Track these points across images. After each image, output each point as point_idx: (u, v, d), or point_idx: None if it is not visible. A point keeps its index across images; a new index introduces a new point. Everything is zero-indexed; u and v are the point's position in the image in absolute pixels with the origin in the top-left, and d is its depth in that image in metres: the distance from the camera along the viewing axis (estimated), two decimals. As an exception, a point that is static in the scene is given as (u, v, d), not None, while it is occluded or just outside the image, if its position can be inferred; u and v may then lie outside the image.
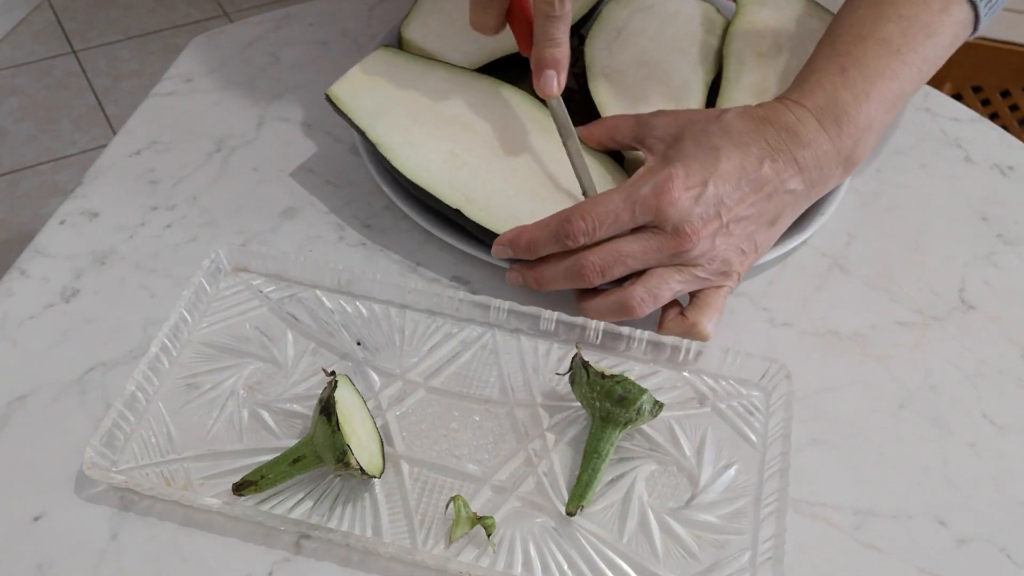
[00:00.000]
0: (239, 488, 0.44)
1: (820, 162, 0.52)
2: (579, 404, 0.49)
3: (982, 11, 0.55)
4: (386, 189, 0.58)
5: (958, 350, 0.54)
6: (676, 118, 0.54)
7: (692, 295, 0.52)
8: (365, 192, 0.61)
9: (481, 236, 0.55)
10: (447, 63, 0.61)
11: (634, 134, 0.55)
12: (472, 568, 0.42)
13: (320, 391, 0.47)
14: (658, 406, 0.47)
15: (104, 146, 0.66)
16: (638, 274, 0.51)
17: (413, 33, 0.65)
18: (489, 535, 0.43)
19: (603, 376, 0.46)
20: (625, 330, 0.51)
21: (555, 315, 0.52)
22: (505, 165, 0.56)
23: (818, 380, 0.52)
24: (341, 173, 0.63)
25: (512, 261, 0.54)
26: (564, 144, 0.56)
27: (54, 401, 0.49)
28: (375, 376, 0.50)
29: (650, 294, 0.50)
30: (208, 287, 0.53)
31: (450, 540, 0.43)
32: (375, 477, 0.44)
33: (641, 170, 0.52)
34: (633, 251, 0.50)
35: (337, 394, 0.44)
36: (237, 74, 0.71)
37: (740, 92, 0.62)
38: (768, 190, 0.51)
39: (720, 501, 0.46)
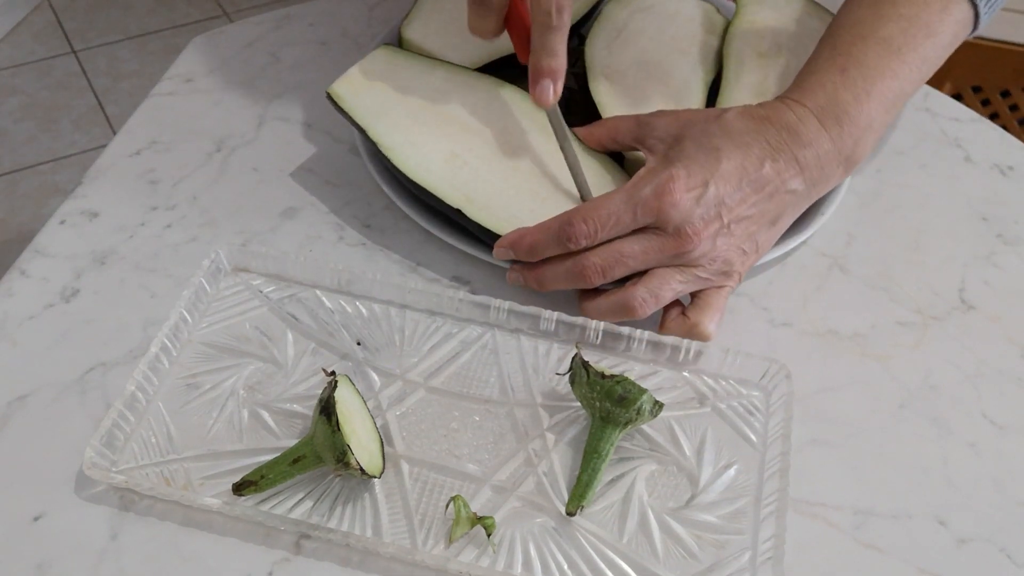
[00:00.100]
0: (239, 488, 0.44)
1: (821, 162, 0.52)
2: (579, 404, 0.49)
3: (982, 10, 0.55)
4: (386, 189, 0.58)
5: (958, 350, 0.54)
6: (676, 118, 0.54)
7: (693, 295, 0.52)
8: (365, 192, 0.61)
9: (482, 236, 0.55)
10: (448, 63, 0.61)
11: (634, 135, 0.55)
12: (472, 568, 0.42)
13: (320, 391, 0.47)
14: (658, 406, 0.47)
15: (104, 146, 0.66)
16: (639, 274, 0.51)
17: (413, 33, 0.65)
18: (489, 535, 0.43)
19: (603, 376, 0.46)
20: (625, 330, 0.51)
21: (555, 315, 0.52)
22: (506, 165, 0.56)
23: (818, 380, 0.52)
24: (341, 173, 0.63)
25: (513, 261, 0.54)
26: (562, 151, 0.56)
27: (54, 401, 0.49)
28: (375, 376, 0.50)
29: (652, 294, 0.50)
30: (208, 287, 0.53)
31: (450, 540, 0.44)
32: (375, 477, 0.44)
33: (642, 171, 0.52)
34: (634, 252, 0.50)
35: (337, 394, 0.44)
36: (237, 74, 0.71)
37: (740, 92, 0.62)
38: (769, 190, 0.51)
39: (720, 501, 0.46)
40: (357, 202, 0.61)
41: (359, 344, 0.52)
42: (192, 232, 0.58)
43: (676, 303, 0.53)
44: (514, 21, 0.54)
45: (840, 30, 0.55)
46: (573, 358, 0.48)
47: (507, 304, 0.52)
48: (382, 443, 0.46)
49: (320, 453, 0.44)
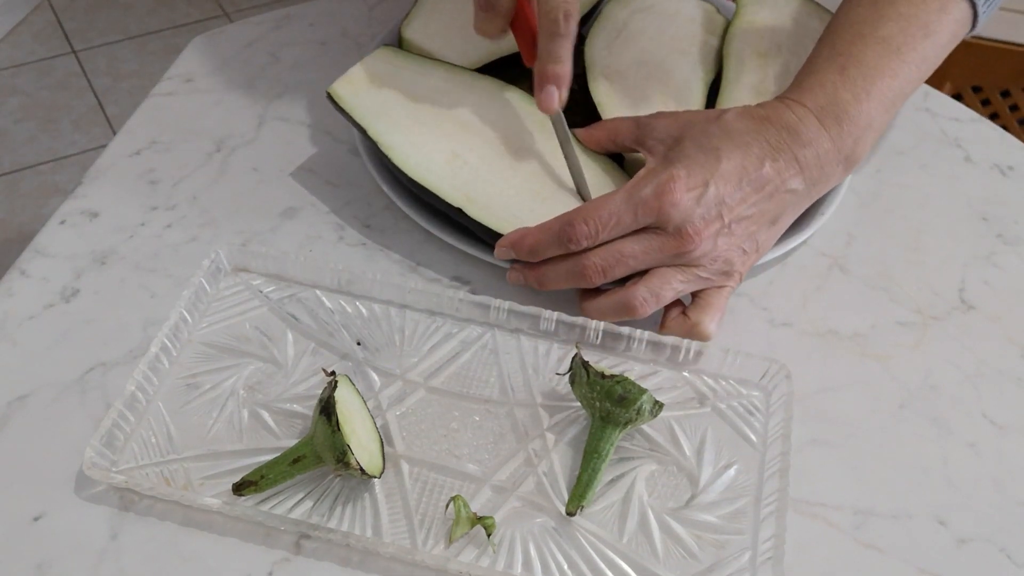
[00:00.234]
0: (239, 488, 0.44)
1: (821, 161, 0.52)
2: (579, 404, 0.49)
3: (980, 9, 0.55)
4: (386, 189, 0.58)
5: (958, 350, 0.54)
6: (676, 119, 0.54)
7: (694, 295, 0.52)
8: (365, 192, 0.61)
9: (482, 236, 0.55)
10: (448, 63, 0.61)
11: (634, 136, 0.55)
12: (472, 568, 0.42)
13: (320, 391, 0.47)
14: (658, 406, 0.47)
15: (104, 146, 0.66)
16: (640, 274, 0.51)
17: (413, 33, 0.65)
18: (489, 535, 0.43)
19: (603, 376, 0.46)
20: (625, 330, 0.51)
21: (555, 315, 0.52)
22: (506, 165, 0.56)
23: (818, 380, 0.52)
24: (341, 173, 0.63)
25: (513, 261, 0.54)
26: (564, 155, 0.56)
27: (54, 401, 0.49)
28: (375, 376, 0.50)
29: (652, 294, 0.50)
30: (208, 287, 0.53)
31: (450, 540, 0.44)
32: (375, 477, 0.44)
33: (642, 172, 0.52)
34: (635, 252, 0.50)
35: (337, 394, 0.44)
36: (237, 74, 0.71)
37: (740, 92, 0.62)
38: (769, 190, 0.51)
39: (720, 501, 0.46)
40: (357, 202, 0.61)
41: (359, 344, 0.52)
42: (192, 232, 0.58)
43: (677, 303, 0.53)
44: (520, 23, 0.54)
45: (839, 29, 0.55)
46: (573, 358, 0.48)
47: (507, 304, 0.52)
48: (382, 443, 0.46)
49: (320, 453, 0.44)
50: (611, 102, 0.61)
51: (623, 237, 0.50)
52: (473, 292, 0.55)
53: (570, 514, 0.44)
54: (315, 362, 0.51)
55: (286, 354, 0.51)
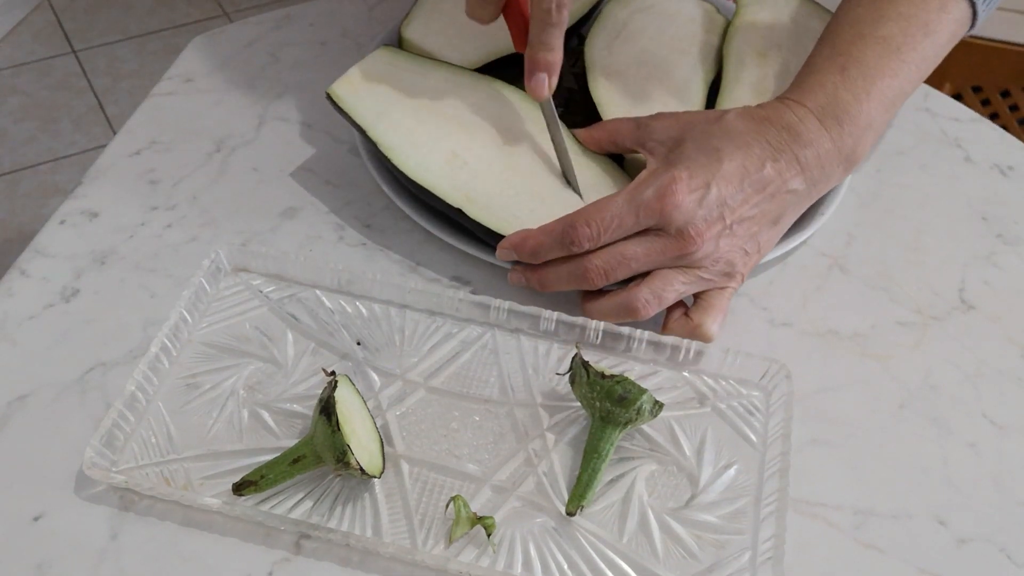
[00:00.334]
0: (239, 488, 0.44)
1: (822, 161, 0.52)
2: (579, 404, 0.49)
3: (980, 8, 0.55)
4: (386, 189, 0.58)
5: (958, 350, 0.54)
6: (676, 120, 0.54)
7: (696, 296, 0.52)
8: (365, 192, 0.61)
9: (483, 236, 0.55)
10: (448, 63, 0.61)
11: (635, 137, 0.55)
12: (472, 568, 0.42)
13: (320, 391, 0.47)
14: (658, 406, 0.47)
15: (104, 146, 0.66)
16: (642, 275, 0.51)
17: (413, 33, 0.65)
18: (489, 535, 0.43)
19: (603, 376, 0.46)
20: (625, 330, 0.51)
21: (555, 315, 0.52)
22: (506, 165, 0.56)
23: (818, 380, 0.52)
24: (341, 173, 0.63)
25: (515, 262, 0.54)
26: (552, 139, 0.56)
27: (54, 401, 0.49)
28: (375, 376, 0.50)
29: (655, 295, 0.50)
30: (208, 287, 0.53)
31: (450, 540, 0.44)
32: (375, 477, 0.44)
33: (643, 173, 0.52)
34: (637, 254, 0.50)
35: (337, 394, 0.44)
36: (237, 74, 0.71)
37: (740, 92, 0.62)
38: (771, 190, 0.51)
39: (720, 501, 0.46)
40: (357, 202, 0.61)
41: (359, 344, 0.52)
42: (192, 232, 0.58)
43: (679, 304, 0.53)
44: (512, 10, 0.54)
45: (839, 29, 0.56)
46: (573, 358, 0.48)
47: (507, 304, 0.52)
48: (382, 443, 0.46)
49: (320, 453, 0.44)
50: (611, 102, 0.61)
51: (625, 239, 0.50)
52: (473, 292, 0.55)
53: (570, 514, 0.44)
54: (315, 362, 0.51)
55: (286, 354, 0.51)
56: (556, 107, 0.57)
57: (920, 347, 0.54)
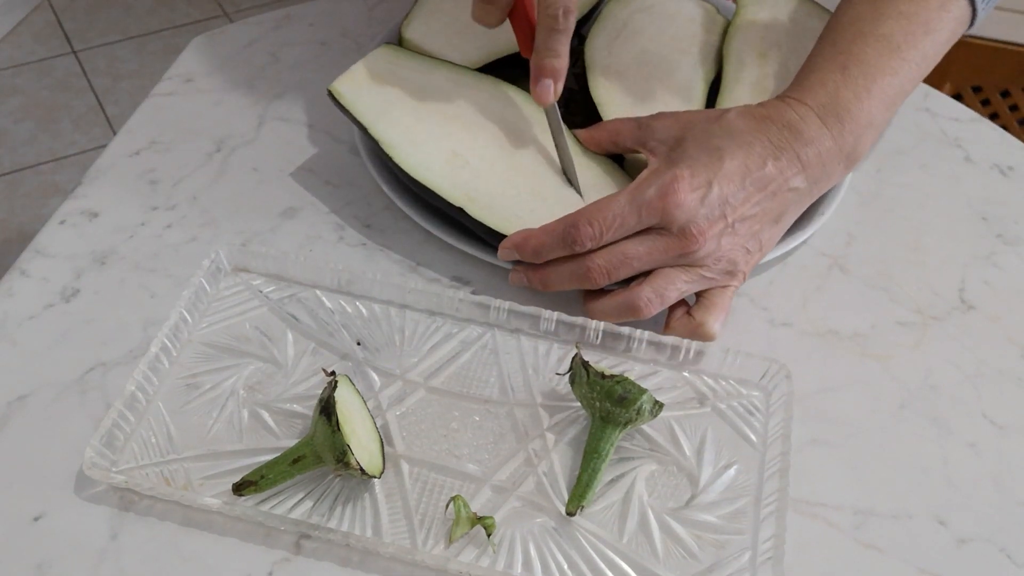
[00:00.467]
0: (239, 488, 0.44)
1: (823, 159, 0.52)
2: (579, 404, 0.49)
3: (979, 7, 0.55)
4: (386, 188, 0.58)
5: (958, 350, 0.54)
6: (677, 120, 0.54)
7: (698, 295, 0.53)
8: (365, 192, 0.61)
9: (484, 235, 0.55)
10: (450, 62, 0.61)
11: (635, 137, 0.55)
12: (472, 568, 0.42)
13: (320, 391, 0.47)
14: (658, 406, 0.47)
15: (104, 146, 0.66)
16: (644, 274, 0.51)
17: (413, 33, 0.65)
18: (489, 535, 0.43)
19: (603, 376, 0.46)
20: (625, 330, 0.51)
21: (555, 315, 0.52)
22: (507, 164, 0.56)
23: (818, 380, 0.52)
24: (341, 173, 0.63)
25: (516, 262, 0.54)
26: (556, 145, 0.56)
27: (54, 401, 0.49)
28: (375, 376, 0.50)
29: (657, 294, 0.50)
30: (208, 287, 0.53)
31: (450, 540, 0.43)
32: (375, 477, 0.44)
33: (644, 173, 0.52)
34: (639, 253, 0.50)
35: (337, 394, 0.44)
36: (237, 74, 0.71)
37: (740, 91, 0.62)
38: (772, 188, 0.51)
39: (720, 501, 0.46)
40: (357, 202, 0.61)
41: (359, 344, 0.52)
42: (192, 232, 0.58)
43: (681, 303, 0.53)
44: (518, 15, 0.54)
45: (839, 28, 0.56)
46: (573, 358, 0.48)
47: (507, 304, 0.52)
48: (382, 443, 0.46)
49: (320, 453, 0.44)
50: (611, 102, 0.61)
51: (627, 238, 0.50)
52: (473, 292, 0.55)
53: (570, 514, 0.44)
54: (315, 362, 0.51)
55: (286, 354, 0.51)
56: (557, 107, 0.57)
57: (920, 347, 0.54)
